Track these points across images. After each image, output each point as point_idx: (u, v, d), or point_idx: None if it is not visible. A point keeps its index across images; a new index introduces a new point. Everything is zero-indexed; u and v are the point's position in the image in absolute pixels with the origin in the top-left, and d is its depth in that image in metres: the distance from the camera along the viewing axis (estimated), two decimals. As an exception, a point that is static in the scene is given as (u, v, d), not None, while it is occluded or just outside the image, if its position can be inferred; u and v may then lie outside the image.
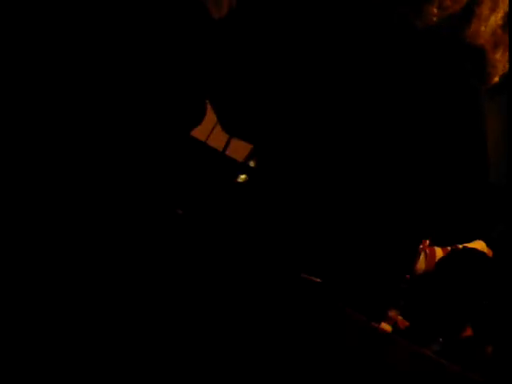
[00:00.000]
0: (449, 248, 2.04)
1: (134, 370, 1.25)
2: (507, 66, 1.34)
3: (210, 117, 1.53)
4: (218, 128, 1.60)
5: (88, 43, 1.26)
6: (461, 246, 2.03)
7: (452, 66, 1.28)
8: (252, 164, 1.81)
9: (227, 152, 2.29)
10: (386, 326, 1.76)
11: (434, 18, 1.25)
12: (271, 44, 1.31)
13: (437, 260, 2.06)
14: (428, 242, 2.11)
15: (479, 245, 2.09)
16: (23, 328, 1.20)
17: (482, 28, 1.28)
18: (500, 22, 1.31)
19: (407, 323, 1.98)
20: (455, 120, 1.28)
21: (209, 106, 1.48)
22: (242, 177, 1.40)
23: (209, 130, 2.21)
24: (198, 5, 1.28)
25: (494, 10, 1.29)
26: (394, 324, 1.90)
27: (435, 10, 1.25)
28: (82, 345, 1.22)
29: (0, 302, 1.20)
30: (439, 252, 2.10)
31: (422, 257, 2.14)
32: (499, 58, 1.32)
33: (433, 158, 1.28)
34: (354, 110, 1.26)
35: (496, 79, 1.35)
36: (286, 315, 1.17)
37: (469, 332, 2.09)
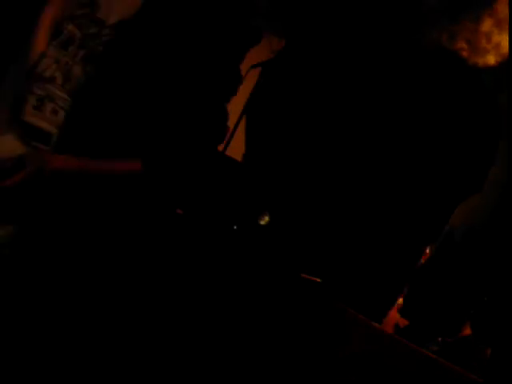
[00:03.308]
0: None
1: (134, 369, 1.25)
2: (504, 43, 1.35)
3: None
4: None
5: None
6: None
7: (470, 77, 1.29)
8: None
9: (227, 152, 2.29)
10: (387, 327, 1.76)
11: (465, 53, 1.27)
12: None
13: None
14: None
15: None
16: (24, 327, 1.20)
17: (489, 46, 1.30)
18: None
19: (407, 322, 1.99)
20: (473, 124, 1.30)
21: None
22: (266, 218, 1.40)
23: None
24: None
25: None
26: (395, 324, 1.91)
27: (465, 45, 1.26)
28: (82, 343, 1.22)
29: (1, 302, 1.20)
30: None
31: None
32: (489, 29, 1.33)
33: (441, 159, 1.29)
34: (369, 119, 1.27)
35: (492, 59, 1.35)
36: (286, 315, 1.18)
37: (467, 331, 2.10)
